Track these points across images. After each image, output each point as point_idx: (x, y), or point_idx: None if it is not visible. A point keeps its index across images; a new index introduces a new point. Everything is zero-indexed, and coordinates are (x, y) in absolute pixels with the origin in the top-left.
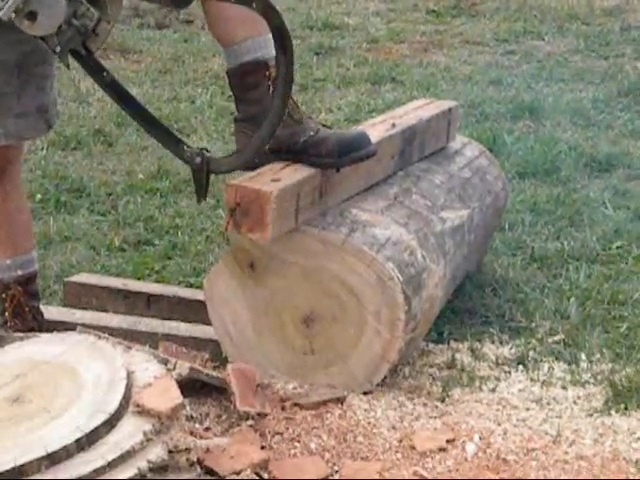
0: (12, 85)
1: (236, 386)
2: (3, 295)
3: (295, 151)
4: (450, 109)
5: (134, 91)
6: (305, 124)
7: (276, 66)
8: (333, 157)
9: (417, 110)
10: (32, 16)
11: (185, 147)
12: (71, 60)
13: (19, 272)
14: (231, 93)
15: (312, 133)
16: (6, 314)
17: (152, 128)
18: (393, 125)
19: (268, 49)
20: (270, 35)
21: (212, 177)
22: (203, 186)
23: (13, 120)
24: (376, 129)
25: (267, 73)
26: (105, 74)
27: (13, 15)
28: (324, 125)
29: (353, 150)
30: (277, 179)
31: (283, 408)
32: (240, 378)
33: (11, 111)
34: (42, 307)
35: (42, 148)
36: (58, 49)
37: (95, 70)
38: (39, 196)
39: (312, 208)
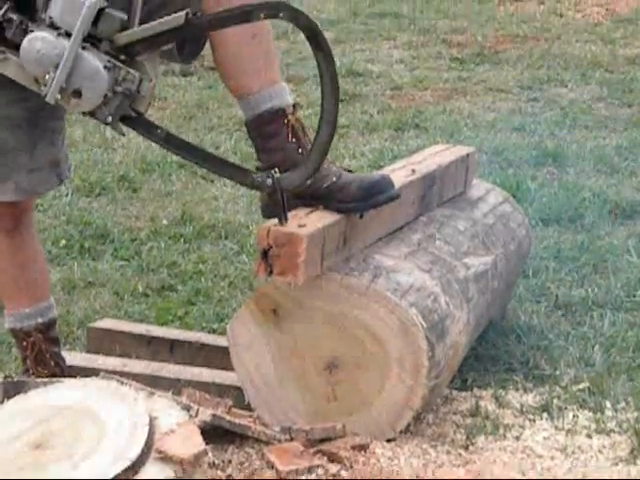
0: (23, 141)
1: (279, 461)
2: (24, 343)
3: (318, 196)
4: (468, 155)
5: None
6: (328, 169)
7: (317, 65)
8: (356, 202)
9: (435, 156)
10: (77, 94)
11: (254, 175)
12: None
13: (39, 319)
14: (263, 130)
15: (335, 179)
16: (28, 362)
17: (219, 168)
18: (413, 171)
19: (284, 97)
20: (284, 83)
21: (235, 224)
22: (282, 206)
23: (26, 176)
24: (396, 175)
25: (285, 120)
26: (159, 131)
27: (59, 97)
28: (347, 169)
29: (375, 194)
30: (303, 225)
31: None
32: (282, 454)
33: (24, 167)
34: (65, 353)
35: (67, 194)
36: (109, 119)
37: (148, 130)
38: (63, 242)
39: (336, 254)
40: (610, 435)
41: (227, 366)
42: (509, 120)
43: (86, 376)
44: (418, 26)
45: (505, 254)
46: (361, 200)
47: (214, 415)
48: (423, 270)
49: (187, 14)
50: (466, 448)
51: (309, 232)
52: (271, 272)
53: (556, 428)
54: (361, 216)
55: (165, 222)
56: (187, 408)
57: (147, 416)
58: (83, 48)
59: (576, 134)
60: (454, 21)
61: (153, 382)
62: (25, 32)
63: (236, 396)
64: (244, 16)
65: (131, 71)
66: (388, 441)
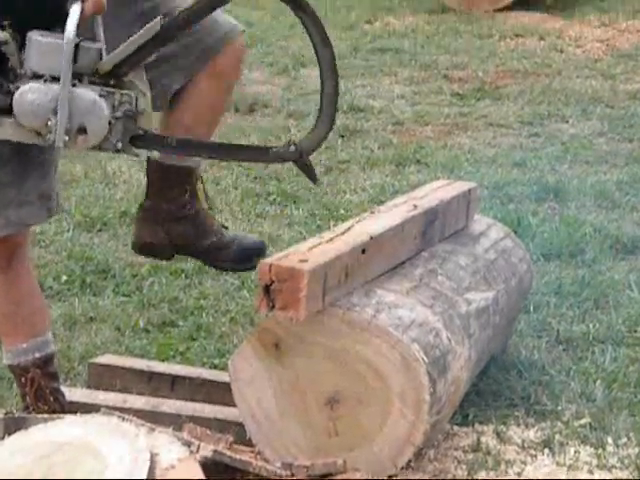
0: (12, 174)
1: None
2: (22, 379)
3: (199, 251)
4: (469, 190)
5: None
6: (210, 227)
7: (304, 26)
8: (233, 263)
9: (437, 191)
10: (82, 130)
11: (274, 149)
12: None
13: (36, 355)
14: (166, 179)
15: (215, 238)
16: (27, 398)
17: (237, 154)
18: (415, 206)
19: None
20: None
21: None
22: (310, 169)
23: (15, 210)
24: (398, 210)
25: (189, 179)
26: (169, 140)
27: (67, 138)
28: (224, 226)
29: (252, 257)
30: (305, 260)
31: None
32: None
33: (12, 201)
34: (66, 389)
35: (68, 230)
36: (119, 145)
37: (159, 142)
38: (65, 277)
39: (338, 289)
40: (612, 471)
41: (228, 402)
42: (510, 155)
43: (87, 412)
44: (419, 62)
45: (506, 289)
46: (238, 262)
47: (215, 451)
48: (425, 305)
49: (161, 19)
50: None
51: (311, 267)
52: (273, 307)
53: (558, 464)
54: (363, 251)
55: None
56: (188, 444)
57: (148, 452)
58: (73, 85)
59: (577, 169)
60: (455, 56)
61: (154, 418)
62: (8, 93)
63: (237, 432)
64: (215, 2)
65: (125, 92)
66: (389, 477)
